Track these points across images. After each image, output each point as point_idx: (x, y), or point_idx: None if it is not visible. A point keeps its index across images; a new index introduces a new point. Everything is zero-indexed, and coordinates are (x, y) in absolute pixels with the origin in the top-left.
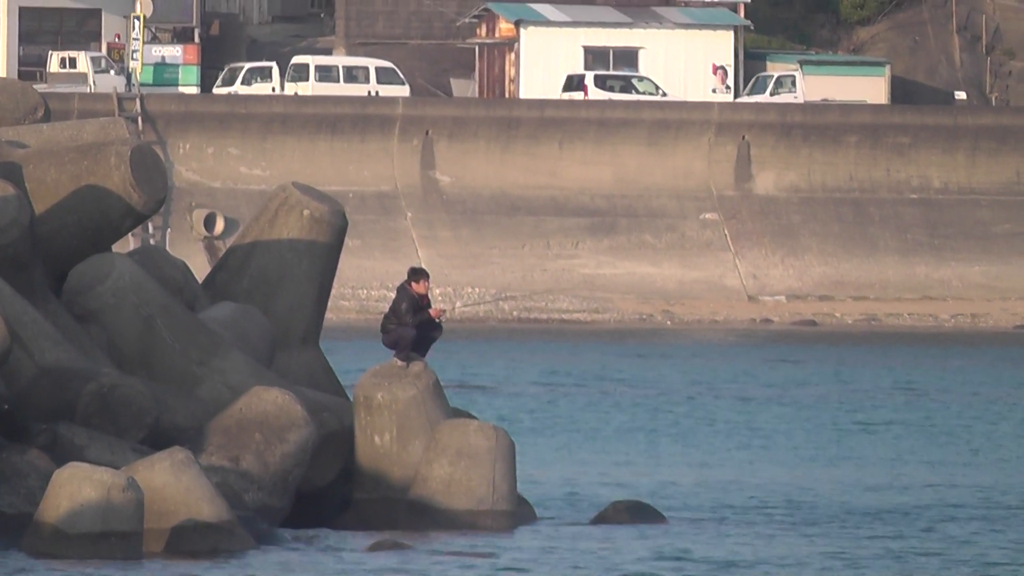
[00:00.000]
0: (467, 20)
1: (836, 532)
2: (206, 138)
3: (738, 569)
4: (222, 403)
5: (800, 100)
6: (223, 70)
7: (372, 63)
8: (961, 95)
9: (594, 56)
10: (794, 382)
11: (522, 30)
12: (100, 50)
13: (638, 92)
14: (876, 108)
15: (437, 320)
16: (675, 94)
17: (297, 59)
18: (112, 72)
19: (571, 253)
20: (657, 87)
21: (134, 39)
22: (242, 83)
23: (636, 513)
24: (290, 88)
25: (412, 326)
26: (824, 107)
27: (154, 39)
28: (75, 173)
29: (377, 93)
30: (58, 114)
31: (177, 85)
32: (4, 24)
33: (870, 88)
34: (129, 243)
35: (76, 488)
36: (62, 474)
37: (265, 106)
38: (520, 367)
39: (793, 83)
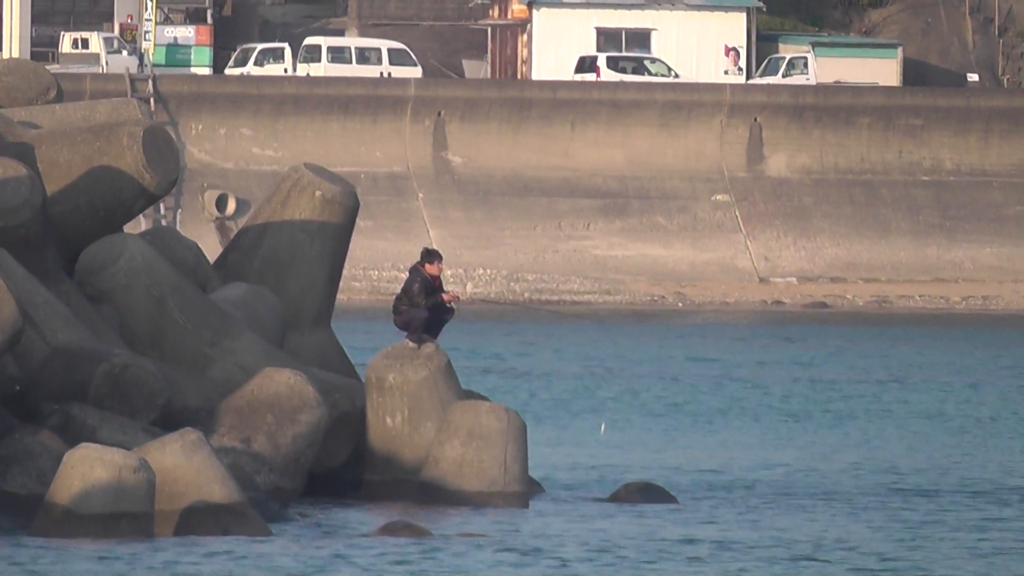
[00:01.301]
0: (479, 1)
1: (846, 512)
2: (218, 119)
3: (747, 549)
4: (234, 384)
5: (812, 82)
6: (235, 51)
7: (384, 44)
8: (973, 77)
9: (606, 37)
10: (805, 364)
11: (535, 11)
12: (112, 31)
13: (650, 73)
14: (888, 90)
15: (450, 305)
16: (687, 75)
17: (309, 40)
18: (124, 53)
19: (583, 234)
20: (669, 68)
21: (146, 20)
22: (254, 64)
23: (647, 494)
24: (302, 69)
25: (425, 308)
26: (836, 89)
27: (166, 20)
28: (87, 154)
29: (389, 74)
30: (70, 95)
31: (189, 66)
32: (17, 4)
33: (882, 70)
34: (141, 224)
35: (88, 469)
36: (74, 455)
37: (277, 87)
38: (531, 348)
39: (805, 65)
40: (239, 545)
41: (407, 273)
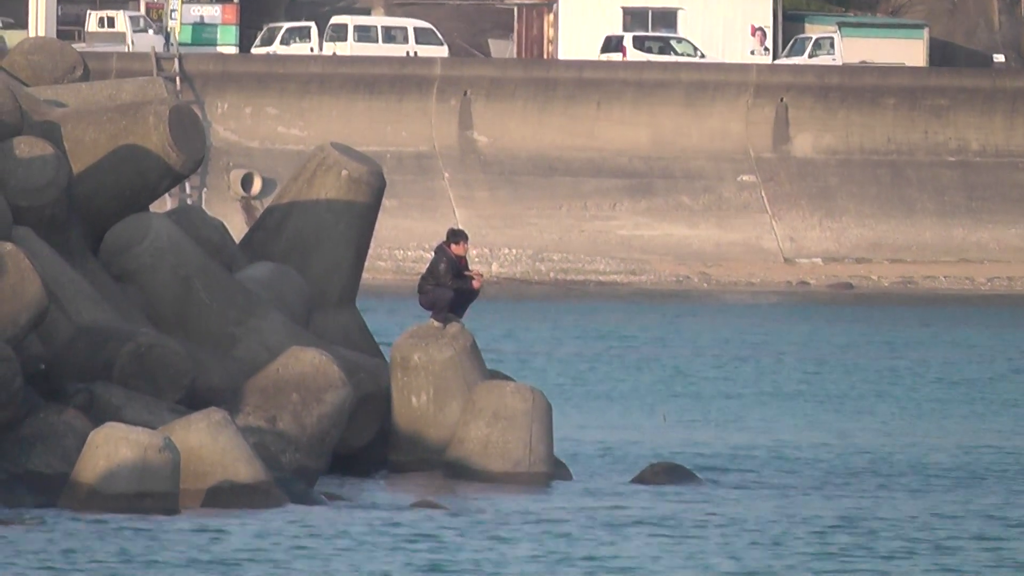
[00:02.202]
0: None
1: (870, 493)
2: (244, 98)
3: (773, 531)
4: (259, 363)
5: (838, 62)
6: (262, 30)
7: (410, 23)
8: (999, 58)
9: (633, 17)
10: (830, 344)
11: None
12: (138, 9)
13: (676, 53)
14: (914, 70)
15: (477, 289)
16: (713, 55)
17: (336, 19)
18: (150, 31)
19: (608, 214)
20: (695, 48)
21: None
22: (280, 43)
23: (673, 475)
24: (328, 48)
25: (451, 288)
26: (862, 69)
27: None
28: (113, 133)
29: (415, 53)
30: (96, 73)
31: (215, 45)
32: None
33: (908, 50)
34: (167, 203)
35: (112, 448)
36: (99, 434)
37: (303, 66)
38: (556, 329)
39: (831, 45)
40: (263, 522)
41: (433, 253)
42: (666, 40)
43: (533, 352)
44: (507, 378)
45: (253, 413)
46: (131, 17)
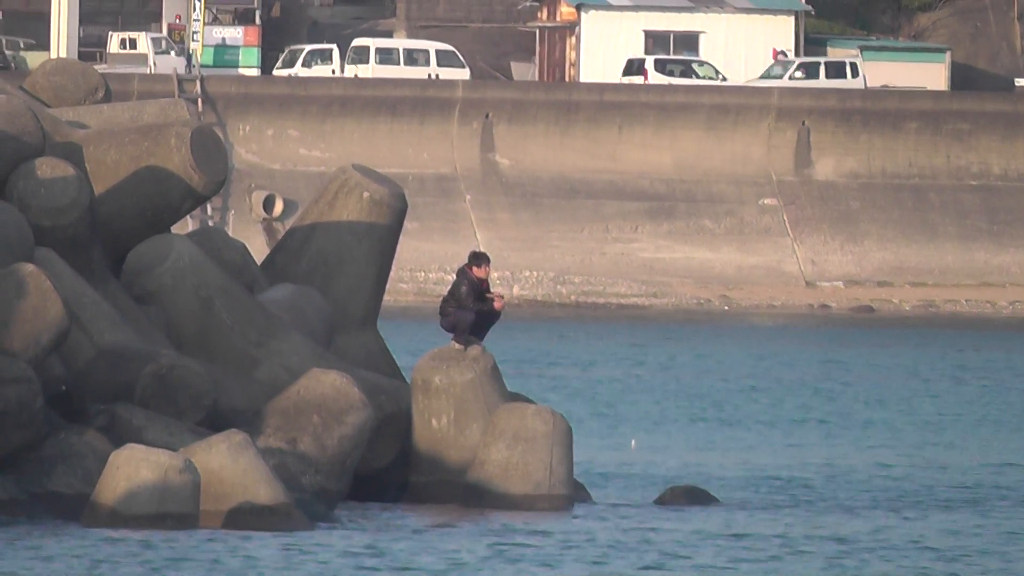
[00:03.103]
0: (528, 3)
1: (892, 515)
2: (266, 120)
3: (793, 553)
4: (280, 385)
5: (860, 86)
6: (284, 52)
7: (432, 46)
8: (1021, 82)
9: (655, 40)
10: (849, 368)
11: (583, 14)
12: (160, 31)
13: (698, 76)
14: (936, 94)
15: (498, 311)
16: (735, 79)
17: (357, 41)
18: (172, 53)
19: (630, 237)
20: (717, 72)
21: (195, 20)
22: (302, 65)
23: (692, 498)
24: (350, 70)
25: (472, 310)
26: (884, 93)
27: (215, 20)
28: (135, 154)
29: (437, 76)
30: (118, 95)
31: (237, 67)
32: (65, 4)
33: (930, 74)
34: (188, 224)
35: (133, 469)
36: (119, 455)
37: (325, 88)
38: (577, 351)
39: (854, 69)
40: (283, 543)
41: (454, 275)
42: (688, 63)
43: (553, 374)
44: (528, 400)
45: (274, 435)
46: (153, 39)
